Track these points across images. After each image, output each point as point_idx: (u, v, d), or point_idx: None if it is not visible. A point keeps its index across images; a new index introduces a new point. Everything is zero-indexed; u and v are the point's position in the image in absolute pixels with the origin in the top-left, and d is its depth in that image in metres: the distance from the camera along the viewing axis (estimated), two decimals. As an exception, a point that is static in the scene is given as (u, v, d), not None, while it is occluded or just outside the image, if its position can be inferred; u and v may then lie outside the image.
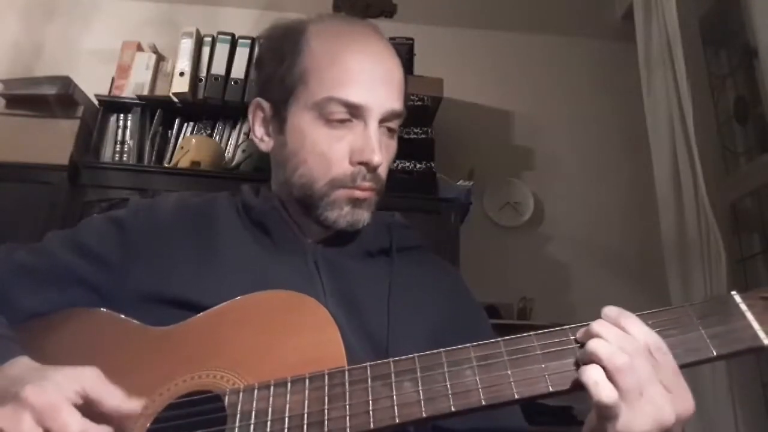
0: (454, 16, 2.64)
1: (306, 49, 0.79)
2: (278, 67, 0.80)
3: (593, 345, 0.56)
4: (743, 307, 0.59)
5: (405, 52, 2.19)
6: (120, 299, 0.74)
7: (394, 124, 0.81)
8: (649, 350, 0.56)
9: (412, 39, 2.25)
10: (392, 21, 2.21)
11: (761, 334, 0.58)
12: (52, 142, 2.00)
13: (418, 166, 2.04)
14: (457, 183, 2.06)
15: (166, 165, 2.10)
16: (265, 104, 0.83)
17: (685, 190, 1.85)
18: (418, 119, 2.09)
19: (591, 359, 0.56)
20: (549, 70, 2.66)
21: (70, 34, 2.51)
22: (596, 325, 0.58)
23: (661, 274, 1.95)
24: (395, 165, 2.02)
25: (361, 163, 0.77)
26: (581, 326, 0.61)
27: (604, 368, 0.54)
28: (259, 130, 0.85)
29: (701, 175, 1.78)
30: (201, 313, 0.70)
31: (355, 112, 0.76)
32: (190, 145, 2.06)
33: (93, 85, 2.17)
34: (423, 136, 2.07)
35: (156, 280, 0.74)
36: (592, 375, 0.54)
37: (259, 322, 0.67)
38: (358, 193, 0.77)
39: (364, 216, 0.79)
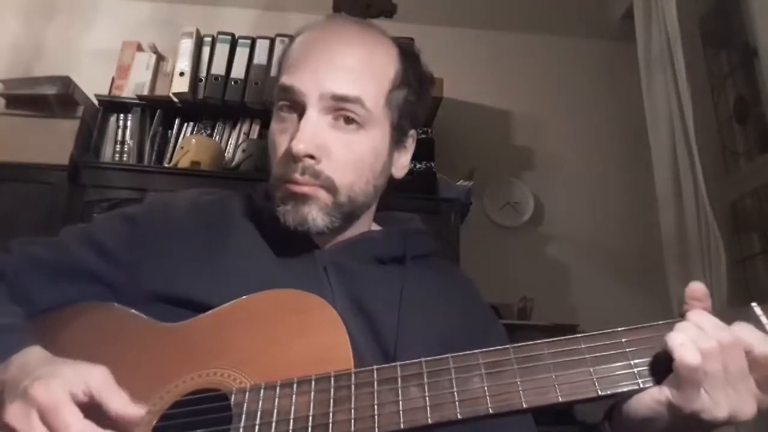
0: (454, 16, 2.64)
1: (288, 51, 0.79)
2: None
3: (682, 325, 0.55)
4: (764, 319, 0.58)
5: (405, 52, 2.19)
6: (132, 297, 0.73)
7: (349, 113, 0.72)
8: (750, 349, 0.54)
9: (412, 39, 2.24)
10: (392, 21, 2.21)
11: None
12: (52, 142, 2.00)
13: (418, 166, 2.04)
14: (457, 183, 2.06)
15: (166, 165, 2.11)
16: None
17: (685, 190, 1.85)
18: (419, 119, 2.09)
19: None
20: (549, 70, 2.66)
21: (70, 34, 2.51)
22: (694, 314, 0.57)
23: (661, 274, 1.95)
24: (395, 165, 2.02)
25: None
26: (594, 335, 0.59)
27: None
28: None
29: (701, 175, 1.77)
30: (210, 311, 0.69)
31: (292, 98, 0.73)
32: (190, 145, 2.06)
33: (93, 85, 2.17)
34: (423, 136, 2.08)
35: (163, 279, 0.74)
36: (677, 337, 0.54)
37: (266, 321, 0.67)
38: (293, 188, 0.72)
39: (311, 214, 0.72)
